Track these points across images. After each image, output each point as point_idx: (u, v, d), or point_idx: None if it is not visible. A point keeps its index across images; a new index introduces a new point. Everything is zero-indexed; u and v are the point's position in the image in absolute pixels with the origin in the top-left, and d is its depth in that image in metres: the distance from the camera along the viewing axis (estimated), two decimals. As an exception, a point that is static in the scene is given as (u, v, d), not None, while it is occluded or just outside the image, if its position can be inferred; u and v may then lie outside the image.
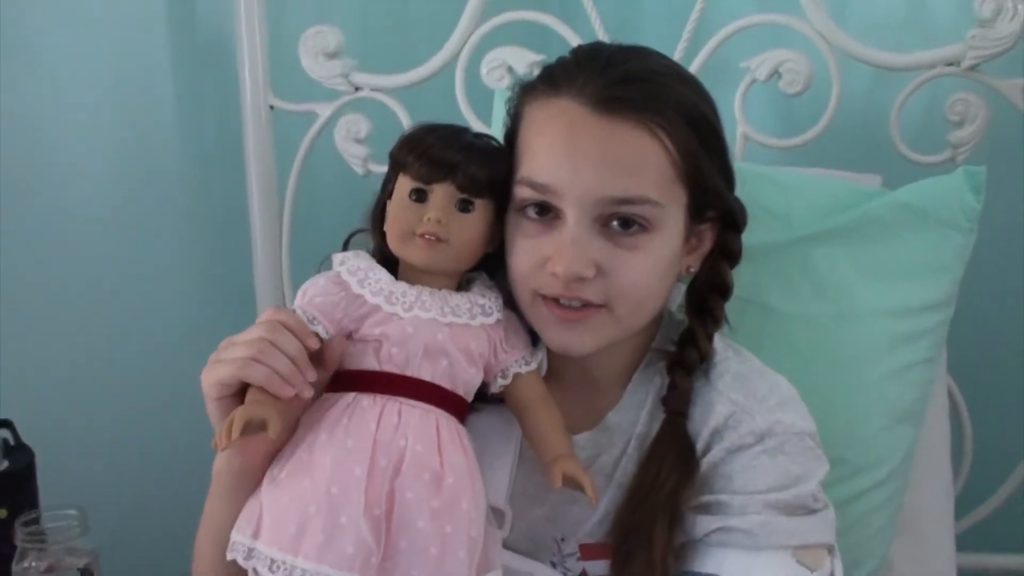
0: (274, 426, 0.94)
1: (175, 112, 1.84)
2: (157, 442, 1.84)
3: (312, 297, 1.03)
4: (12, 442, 1.53)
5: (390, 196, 1.06)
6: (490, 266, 1.09)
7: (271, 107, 1.76)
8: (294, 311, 1.02)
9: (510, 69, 1.61)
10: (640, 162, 1.01)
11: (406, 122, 1.67)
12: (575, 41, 1.58)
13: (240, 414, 0.93)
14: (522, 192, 1.04)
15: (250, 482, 1.01)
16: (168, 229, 1.86)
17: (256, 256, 1.80)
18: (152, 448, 1.84)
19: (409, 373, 1.01)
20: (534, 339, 1.10)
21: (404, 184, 1.04)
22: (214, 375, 0.97)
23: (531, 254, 1.04)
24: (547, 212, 1.03)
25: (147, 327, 1.85)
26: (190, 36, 1.83)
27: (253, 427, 0.93)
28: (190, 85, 1.84)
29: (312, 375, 0.99)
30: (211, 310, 1.90)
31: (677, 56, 1.56)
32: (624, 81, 1.02)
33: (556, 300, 1.03)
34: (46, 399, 1.74)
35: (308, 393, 0.99)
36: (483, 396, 1.08)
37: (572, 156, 1.01)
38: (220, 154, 1.85)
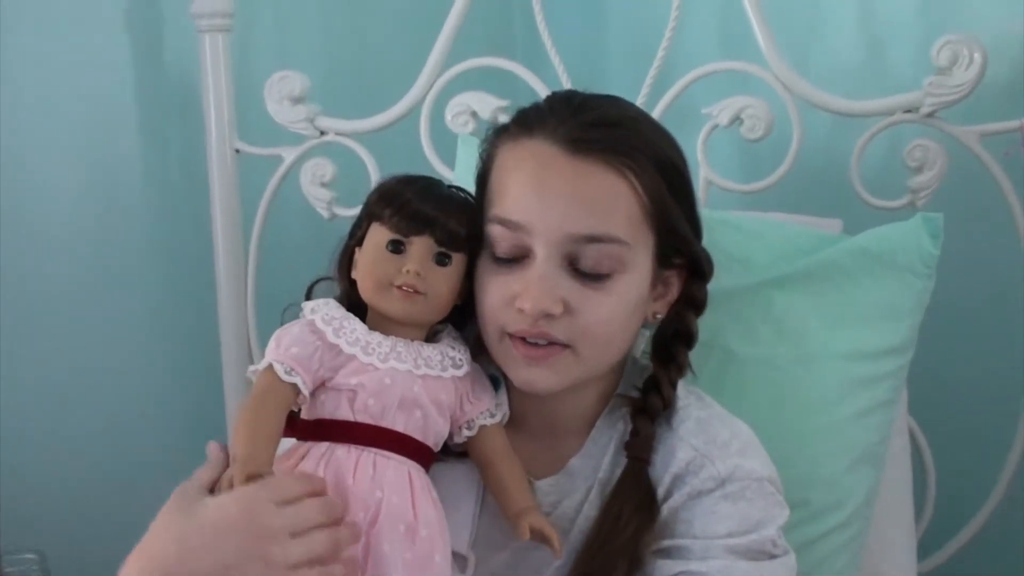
0: None
1: (141, 155, 1.83)
2: (119, 486, 1.82)
3: (288, 347, 1.01)
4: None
5: (358, 243, 1.06)
6: (456, 319, 1.10)
7: (236, 151, 1.77)
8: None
9: (474, 114, 1.62)
10: (609, 202, 1.03)
11: (371, 166, 1.68)
12: (539, 87, 1.60)
13: None
14: (494, 231, 1.05)
15: None
16: (133, 271, 1.84)
17: (221, 299, 1.81)
18: (114, 492, 1.82)
19: (384, 424, 1.01)
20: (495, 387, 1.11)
21: (380, 234, 1.04)
22: None
23: (500, 291, 1.05)
24: (517, 251, 1.04)
25: (111, 372, 1.83)
26: (156, 79, 1.83)
27: None
28: (156, 128, 1.84)
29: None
30: (176, 354, 1.89)
31: (640, 101, 1.58)
32: (596, 124, 1.04)
33: (523, 338, 1.04)
34: (4, 440, 1.72)
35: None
36: (443, 450, 1.08)
37: (543, 194, 1.03)
38: (186, 197, 1.85)
